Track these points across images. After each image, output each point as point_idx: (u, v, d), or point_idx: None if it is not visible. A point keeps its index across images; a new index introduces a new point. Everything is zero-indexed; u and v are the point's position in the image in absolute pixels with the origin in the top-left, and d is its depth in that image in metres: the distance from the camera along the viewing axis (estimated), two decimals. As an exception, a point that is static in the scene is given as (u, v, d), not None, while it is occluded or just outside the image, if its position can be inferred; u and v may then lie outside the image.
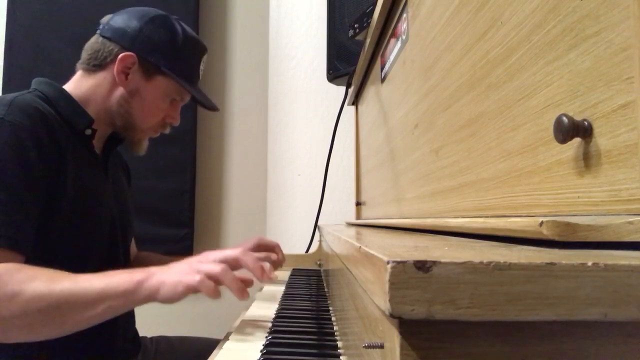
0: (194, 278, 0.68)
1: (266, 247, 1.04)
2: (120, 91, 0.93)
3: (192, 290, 0.69)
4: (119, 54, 0.91)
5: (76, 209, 0.83)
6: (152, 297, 0.70)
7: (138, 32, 0.92)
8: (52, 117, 0.83)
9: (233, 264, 0.74)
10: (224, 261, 0.72)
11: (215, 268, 0.69)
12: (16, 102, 0.79)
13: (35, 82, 0.91)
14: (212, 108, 1.05)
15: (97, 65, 0.93)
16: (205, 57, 1.02)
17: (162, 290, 0.69)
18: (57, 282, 0.69)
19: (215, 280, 0.69)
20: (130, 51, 0.91)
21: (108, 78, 0.93)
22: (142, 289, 0.70)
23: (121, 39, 0.92)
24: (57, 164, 0.81)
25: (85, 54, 0.95)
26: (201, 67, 1.01)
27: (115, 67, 0.91)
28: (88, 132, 0.90)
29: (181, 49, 0.95)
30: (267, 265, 0.74)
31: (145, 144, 1.01)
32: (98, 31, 0.95)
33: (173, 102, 0.98)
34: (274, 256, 1.01)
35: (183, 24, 0.98)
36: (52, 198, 0.79)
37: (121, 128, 0.96)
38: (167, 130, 1.03)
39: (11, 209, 0.73)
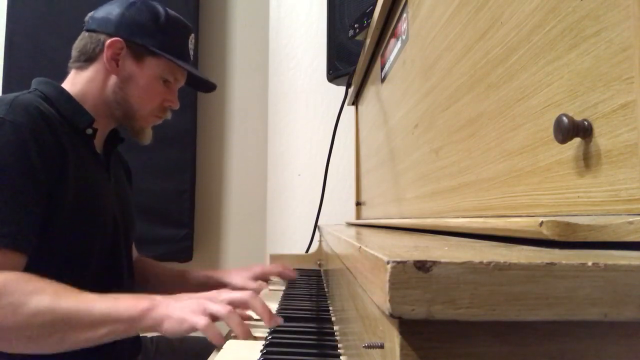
0: (201, 320, 0.68)
1: (269, 274, 1.14)
2: (113, 79, 0.93)
3: (196, 330, 0.69)
4: (105, 42, 0.91)
5: (78, 209, 0.83)
6: (155, 327, 0.70)
7: (121, 17, 0.93)
8: (53, 117, 0.83)
9: (241, 307, 0.74)
10: (232, 303, 0.72)
11: (223, 310, 0.69)
12: (17, 101, 0.79)
13: (36, 82, 0.91)
14: (209, 85, 1.06)
15: (87, 59, 0.94)
16: (192, 37, 1.02)
17: (166, 324, 0.69)
18: (62, 298, 0.69)
19: (220, 320, 0.69)
20: (116, 36, 0.92)
21: (100, 69, 0.93)
22: (146, 318, 0.70)
23: (105, 27, 0.93)
24: (59, 163, 0.81)
25: (74, 52, 0.96)
26: (190, 47, 1.01)
27: (105, 55, 0.92)
28: (89, 131, 0.90)
29: (165, 27, 0.95)
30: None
31: (149, 133, 1.00)
32: (84, 28, 0.96)
33: (167, 83, 0.98)
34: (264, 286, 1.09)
35: (164, 7, 0.99)
36: (54, 198, 0.79)
37: (121, 118, 0.96)
38: (169, 115, 1.02)
39: (13, 209, 0.73)
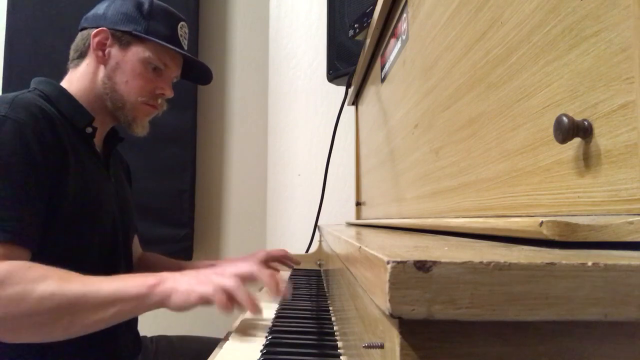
0: (208, 289, 0.68)
1: (274, 259, 1.09)
2: (102, 70, 0.94)
3: (204, 300, 0.69)
4: (91, 34, 0.94)
5: (78, 207, 0.84)
6: (163, 302, 0.70)
7: (106, 10, 0.96)
8: (53, 116, 0.84)
9: (248, 279, 0.74)
10: (239, 276, 0.72)
11: (230, 282, 0.69)
12: (18, 100, 0.80)
13: (35, 82, 0.91)
14: (205, 74, 1.06)
15: (79, 55, 0.96)
16: (182, 25, 1.01)
17: (173, 297, 0.70)
18: (68, 282, 0.69)
19: (228, 294, 0.69)
20: (100, 28, 0.94)
21: (90, 63, 0.95)
22: (153, 294, 0.70)
23: (93, 22, 0.96)
24: (60, 161, 0.81)
25: (70, 52, 0.98)
26: (180, 34, 1.00)
27: (91, 47, 0.94)
28: (89, 130, 0.91)
29: (150, 13, 0.96)
30: (282, 280, 0.75)
31: (144, 123, 0.99)
32: (78, 29, 0.99)
33: (157, 71, 0.97)
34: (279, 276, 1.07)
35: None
36: (54, 196, 0.80)
37: (112, 109, 0.95)
38: (164, 106, 1.01)
39: (17, 205, 0.73)
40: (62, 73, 0.97)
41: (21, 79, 2.00)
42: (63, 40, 1.96)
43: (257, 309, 0.69)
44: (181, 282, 0.71)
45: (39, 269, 0.70)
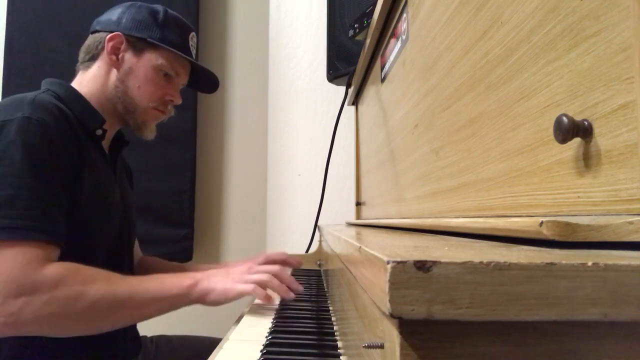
0: (247, 286, 0.80)
1: (274, 262, 1.11)
2: (114, 74, 0.95)
3: (242, 295, 0.80)
4: (106, 38, 0.95)
5: (91, 205, 0.85)
6: (200, 300, 0.80)
7: (121, 15, 0.97)
8: (70, 116, 0.85)
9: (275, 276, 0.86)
10: (267, 272, 0.85)
11: (263, 277, 0.83)
12: (37, 101, 0.81)
13: (47, 83, 0.92)
14: (212, 82, 1.09)
15: (91, 58, 0.97)
16: (193, 35, 1.04)
17: (211, 295, 0.80)
18: (115, 284, 0.76)
19: (264, 286, 0.82)
20: (116, 32, 0.95)
21: (102, 66, 0.96)
22: (192, 293, 0.79)
23: (107, 26, 0.97)
24: (78, 160, 0.83)
25: (80, 54, 0.99)
26: (190, 44, 1.02)
27: (105, 50, 0.95)
28: (99, 132, 0.92)
29: (164, 22, 0.98)
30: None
31: (152, 128, 1.01)
32: (90, 32, 1.00)
33: (169, 78, 0.99)
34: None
35: (165, 7, 1.01)
36: (73, 193, 0.81)
37: (123, 112, 0.97)
38: (172, 112, 1.03)
39: (48, 203, 0.75)
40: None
41: (21, 79, 2.00)
42: (63, 41, 1.97)
43: (290, 293, 0.84)
44: (216, 282, 0.81)
45: (86, 271, 0.75)
